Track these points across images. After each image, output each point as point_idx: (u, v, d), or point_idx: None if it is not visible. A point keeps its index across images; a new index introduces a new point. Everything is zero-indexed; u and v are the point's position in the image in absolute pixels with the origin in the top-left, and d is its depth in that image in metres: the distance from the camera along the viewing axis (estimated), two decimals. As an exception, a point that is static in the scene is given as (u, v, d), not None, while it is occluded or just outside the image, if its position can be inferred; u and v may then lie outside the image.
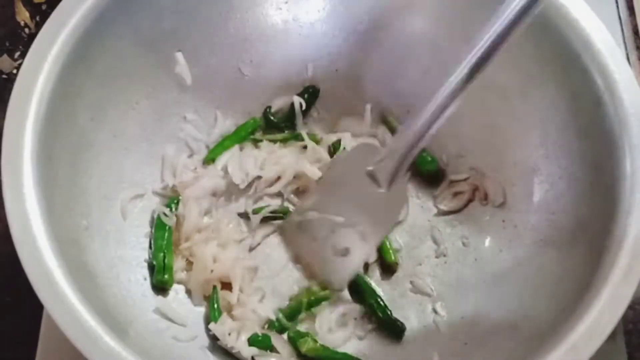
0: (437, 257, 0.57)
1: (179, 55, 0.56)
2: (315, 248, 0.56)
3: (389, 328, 0.53)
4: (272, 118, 0.61)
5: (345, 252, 0.55)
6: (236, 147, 0.60)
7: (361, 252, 0.55)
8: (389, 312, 0.54)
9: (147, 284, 0.51)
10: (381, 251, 0.56)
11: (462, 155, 0.59)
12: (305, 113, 0.61)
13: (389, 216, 0.57)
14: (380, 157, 0.54)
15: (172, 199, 0.56)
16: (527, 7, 0.44)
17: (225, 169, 0.58)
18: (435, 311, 0.54)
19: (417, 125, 0.50)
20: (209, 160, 0.59)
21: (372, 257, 0.56)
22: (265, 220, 0.58)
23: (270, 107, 0.61)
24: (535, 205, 0.53)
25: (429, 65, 0.58)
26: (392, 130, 0.61)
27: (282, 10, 0.59)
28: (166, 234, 0.54)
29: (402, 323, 0.53)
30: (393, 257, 0.56)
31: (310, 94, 0.61)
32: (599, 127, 0.47)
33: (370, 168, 0.55)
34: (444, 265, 0.57)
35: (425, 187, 0.60)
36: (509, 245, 0.53)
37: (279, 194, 0.59)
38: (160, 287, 0.52)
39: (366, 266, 0.56)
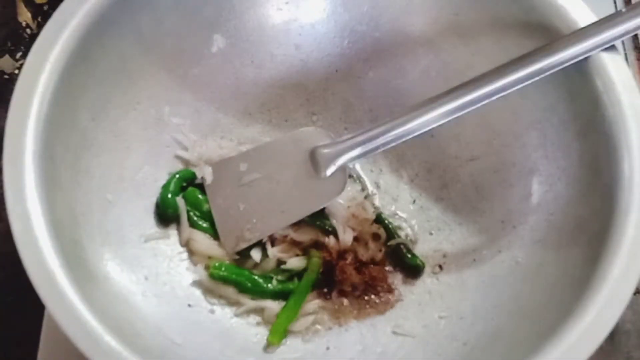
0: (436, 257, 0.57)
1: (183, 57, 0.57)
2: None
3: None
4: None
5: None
6: None
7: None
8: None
9: (148, 283, 0.51)
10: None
11: (459, 156, 0.59)
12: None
13: (310, 203, 0.55)
14: (331, 142, 0.54)
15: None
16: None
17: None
18: (434, 312, 0.54)
19: (383, 127, 0.51)
20: None
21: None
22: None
23: None
24: (534, 206, 0.53)
25: (428, 66, 0.58)
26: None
27: (282, 10, 0.59)
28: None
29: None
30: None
31: None
32: (598, 128, 0.48)
33: (317, 147, 0.54)
34: (443, 265, 0.57)
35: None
36: (507, 245, 0.53)
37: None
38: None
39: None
